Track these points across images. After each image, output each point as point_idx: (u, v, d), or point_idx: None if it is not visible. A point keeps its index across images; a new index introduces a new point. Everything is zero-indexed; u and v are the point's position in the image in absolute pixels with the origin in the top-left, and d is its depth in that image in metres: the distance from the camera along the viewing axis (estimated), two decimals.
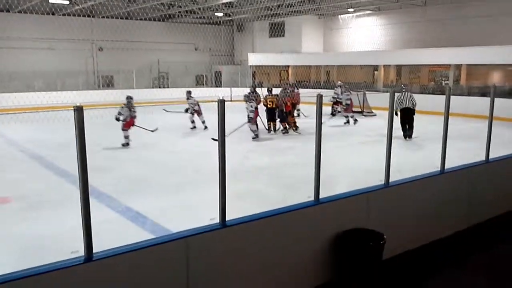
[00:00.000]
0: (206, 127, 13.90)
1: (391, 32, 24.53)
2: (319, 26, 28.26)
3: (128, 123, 11.39)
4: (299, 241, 4.03)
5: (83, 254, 2.96)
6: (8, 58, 22.10)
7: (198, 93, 18.56)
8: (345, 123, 15.69)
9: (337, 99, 16.82)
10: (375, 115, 17.88)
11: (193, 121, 14.44)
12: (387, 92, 16.23)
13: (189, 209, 6.31)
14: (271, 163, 9.63)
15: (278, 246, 3.90)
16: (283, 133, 13.28)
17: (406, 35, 23.49)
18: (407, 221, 5.01)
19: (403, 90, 12.91)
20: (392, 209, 4.85)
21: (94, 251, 2.99)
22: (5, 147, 11.37)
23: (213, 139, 12.16)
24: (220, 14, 26.38)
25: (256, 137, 12.30)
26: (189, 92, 14.30)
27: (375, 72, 24.88)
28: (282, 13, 24.46)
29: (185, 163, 9.59)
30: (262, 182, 7.97)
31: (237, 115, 10.54)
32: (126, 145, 11.23)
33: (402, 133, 12.13)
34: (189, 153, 10.68)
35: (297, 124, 13.53)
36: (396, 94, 11.12)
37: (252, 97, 12.93)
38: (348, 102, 16.00)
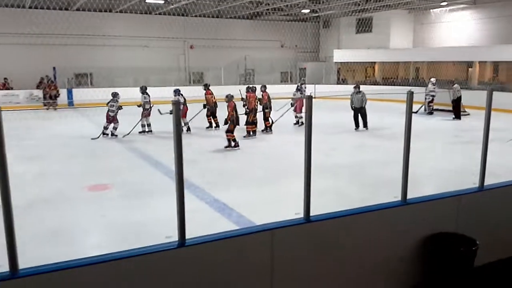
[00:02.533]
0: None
1: (487, 26, 22.88)
2: (409, 20, 27.15)
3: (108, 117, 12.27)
4: (384, 242, 3.97)
5: (177, 240, 3.16)
6: (107, 54, 23.81)
7: (283, 89, 18.77)
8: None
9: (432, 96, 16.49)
10: (468, 114, 16.86)
11: (296, 116, 14.82)
12: (482, 90, 15.22)
13: (273, 203, 6.46)
14: (353, 161, 9.49)
15: (362, 245, 3.87)
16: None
17: (504, 30, 21.81)
18: (502, 228, 4.71)
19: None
20: (486, 214, 4.59)
21: (186, 237, 3.19)
22: (104, 138, 12.30)
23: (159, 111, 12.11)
24: (307, 11, 26.31)
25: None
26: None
27: (469, 69, 23.41)
28: (370, 8, 23.81)
29: (269, 158, 9.78)
30: (344, 180, 7.90)
31: (319, 113, 10.49)
32: (109, 135, 12.35)
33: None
34: (273, 149, 10.86)
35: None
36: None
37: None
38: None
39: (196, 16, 25.26)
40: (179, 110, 3.04)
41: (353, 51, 26.65)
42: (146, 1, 22.24)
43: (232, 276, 3.30)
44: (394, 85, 22.32)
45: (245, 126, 12.10)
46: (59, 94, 20.40)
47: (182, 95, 13.05)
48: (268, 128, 13.04)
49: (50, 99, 19.45)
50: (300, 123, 14.30)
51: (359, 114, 13.46)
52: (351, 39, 28.04)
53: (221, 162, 9.46)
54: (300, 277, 3.58)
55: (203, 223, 4.68)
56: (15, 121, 12.74)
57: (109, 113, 12.23)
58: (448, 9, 24.70)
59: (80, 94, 20.49)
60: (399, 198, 4.11)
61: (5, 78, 21.51)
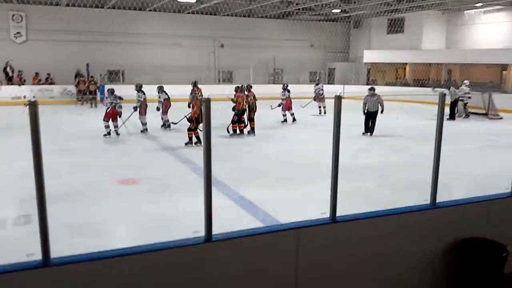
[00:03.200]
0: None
1: None
2: (442, 21, 26.60)
3: (109, 114, 11.97)
4: (411, 245, 3.92)
5: (203, 235, 3.20)
6: (139, 52, 24.24)
7: (311, 89, 18.71)
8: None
9: (462, 99, 16.21)
10: (501, 118, 16.42)
11: (284, 115, 15.17)
12: None
13: (299, 202, 6.45)
14: (382, 163, 9.38)
15: (388, 248, 3.83)
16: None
17: None
18: None
19: None
20: None
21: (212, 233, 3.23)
22: (137, 134, 12.52)
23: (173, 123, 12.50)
24: (338, 11, 26.11)
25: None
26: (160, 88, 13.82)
27: (504, 71, 22.76)
28: (403, 9, 23.46)
29: (296, 157, 9.77)
30: (372, 182, 7.82)
31: (347, 113, 10.40)
32: (108, 134, 11.86)
33: None
34: (301, 148, 10.84)
35: None
36: None
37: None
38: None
39: (226, 15, 25.42)
40: (209, 107, 3.07)
41: (383, 51, 26.31)
42: (178, 0, 22.49)
43: (256, 273, 3.33)
44: (425, 87, 21.90)
45: (232, 125, 12.16)
46: (99, 90, 20.80)
47: (165, 92, 13.39)
48: (252, 130, 12.57)
49: (90, 94, 19.76)
50: (288, 120, 15.16)
51: (370, 119, 12.58)
52: (382, 40, 27.69)
53: (247, 160, 9.50)
54: (325, 277, 3.57)
55: (229, 220, 4.69)
56: (49, 115, 13.06)
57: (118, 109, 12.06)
58: (483, 10, 24.09)
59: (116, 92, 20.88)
60: (428, 202, 4.05)
61: (48, 74, 22.18)
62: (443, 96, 3.83)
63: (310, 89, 18.54)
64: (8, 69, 22.04)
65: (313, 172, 8.26)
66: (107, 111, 11.98)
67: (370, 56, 27.13)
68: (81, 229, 5.38)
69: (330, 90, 16.69)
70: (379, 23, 27.82)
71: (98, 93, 20.84)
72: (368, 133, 12.44)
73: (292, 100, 15.38)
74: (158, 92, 13.63)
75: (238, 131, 12.20)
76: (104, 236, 5.41)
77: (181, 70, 23.89)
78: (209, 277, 3.16)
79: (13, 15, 22.46)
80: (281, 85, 16.12)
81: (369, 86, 13.36)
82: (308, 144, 11.39)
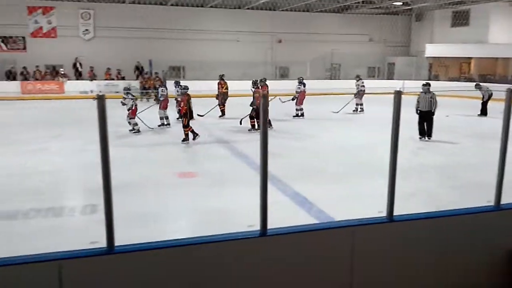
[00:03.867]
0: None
1: None
2: (510, 14, 25.09)
3: (133, 112, 11.99)
4: (472, 248, 3.77)
5: (258, 229, 3.25)
6: (200, 48, 24.78)
7: (369, 84, 18.34)
8: None
9: None
10: None
11: (297, 109, 14.90)
12: None
13: (354, 200, 6.37)
14: (442, 162, 9.06)
15: (448, 250, 3.70)
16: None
17: None
18: None
19: None
20: None
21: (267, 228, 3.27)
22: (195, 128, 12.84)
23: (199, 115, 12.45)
24: (399, 4, 25.35)
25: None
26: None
27: None
28: (468, 1, 22.40)
29: (350, 154, 9.62)
30: (432, 181, 7.58)
31: (408, 109, 10.10)
32: (137, 132, 11.88)
33: None
34: (354, 145, 10.66)
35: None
36: None
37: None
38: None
39: (285, 10, 25.40)
40: (267, 103, 3.10)
41: (447, 45, 25.25)
42: None
43: (310, 269, 3.33)
44: (491, 82, 20.78)
45: (250, 120, 12.19)
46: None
47: (181, 86, 13.18)
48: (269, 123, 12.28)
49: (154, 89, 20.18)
50: (300, 115, 14.71)
51: (424, 120, 11.01)
52: (446, 33, 26.56)
53: (302, 156, 9.47)
54: (380, 277, 3.52)
55: (283, 215, 4.74)
56: (114, 109, 13.65)
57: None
58: None
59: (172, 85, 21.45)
60: (493, 203, 3.88)
61: (118, 70, 23.26)
62: (510, 92, 3.64)
63: (367, 84, 18.05)
64: (77, 64, 23.30)
65: (367, 169, 8.13)
66: (132, 108, 12.15)
67: (432, 50, 26.12)
68: (142, 219, 5.62)
69: (389, 85, 16.26)
70: (442, 16, 26.70)
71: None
72: (426, 137, 10.97)
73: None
74: (176, 87, 14.08)
75: (256, 126, 11.98)
76: (162, 226, 5.61)
77: (239, 66, 24.17)
78: (264, 271, 3.21)
79: (82, 13, 23.67)
80: (297, 79, 15.62)
81: (424, 81, 11.83)
82: (357, 140, 11.16)
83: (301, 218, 5.63)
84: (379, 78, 28.57)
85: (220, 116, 14.68)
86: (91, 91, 18.16)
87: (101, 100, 2.70)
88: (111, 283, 2.87)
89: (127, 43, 23.50)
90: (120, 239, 2.90)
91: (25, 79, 22.38)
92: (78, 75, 23.17)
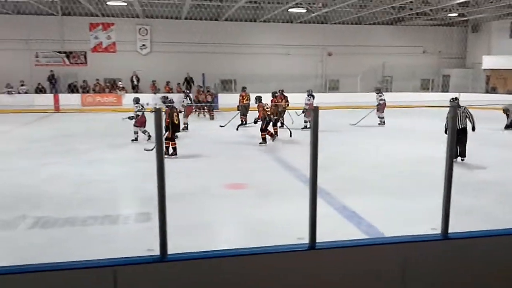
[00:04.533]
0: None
1: None
2: None
3: (140, 121, 12.33)
4: None
5: (307, 242, 3.25)
6: (251, 62, 25.18)
7: (423, 97, 17.88)
8: None
9: None
10: None
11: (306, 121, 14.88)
12: None
13: (406, 215, 6.24)
14: (504, 177, 8.63)
15: (505, 270, 3.54)
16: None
17: None
18: None
19: None
20: None
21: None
22: (245, 140, 13.01)
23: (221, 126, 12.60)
24: (454, 15, 24.61)
25: None
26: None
27: None
28: None
29: (398, 168, 9.38)
30: (490, 198, 7.25)
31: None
32: (134, 140, 12.37)
33: None
34: (402, 158, 10.39)
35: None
36: None
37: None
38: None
39: (336, 23, 25.33)
40: (317, 116, 3.10)
41: (506, 57, 24.21)
42: (288, 10, 22.94)
43: (359, 285, 3.29)
44: None
45: (261, 133, 12.35)
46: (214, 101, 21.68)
47: (189, 97, 14.56)
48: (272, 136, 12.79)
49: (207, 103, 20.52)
50: (308, 127, 14.26)
51: (458, 139, 9.18)
52: (504, 44, 25.49)
53: (350, 169, 9.34)
54: None
55: (331, 229, 4.69)
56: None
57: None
58: None
59: (224, 98, 21.84)
60: None
61: (178, 83, 24.09)
62: None
63: (420, 97, 17.62)
64: (134, 78, 24.28)
65: (417, 183, 7.92)
66: (137, 118, 12.48)
67: (490, 62, 25.12)
68: (191, 229, 5.74)
69: (444, 98, 15.79)
70: (501, 27, 25.69)
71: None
72: (460, 158, 9.51)
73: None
74: (184, 98, 15.48)
75: (269, 137, 12.44)
76: (212, 237, 5.71)
77: (289, 79, 24.28)
78: (312, 285, 3.20)
79: (140, 29, 24.71)
80: (306, 91, 15.79)
81: (452, 96, 10.35)
82: (405, 154, 10.88)
83: (349, 233, 5.56)
84: (433, 91, 27.79)
85: (239, 125, 14.56)
86: (147, 104, 18.74)
87: (158, 113, 2.83)
88: None
89: (181, 57, 24.25)
90: (171, 248, 2.99)
91: (86, 91, 23.60)
92: (136, 89, 24.10)
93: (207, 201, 7.12)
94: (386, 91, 27.45)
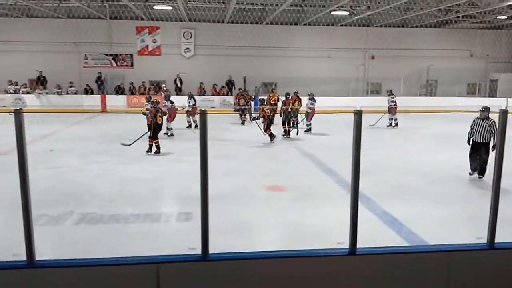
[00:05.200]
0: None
1: None
2: None
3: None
4: None
5: (347, 247, 3.23)
6: (293, 65, 25.21)
7: (468, 102, 17.36)
8: None
9: None
10: None
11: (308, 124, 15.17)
12: None
13: (449, 223, 6.07)
14: None
15: None
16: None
17: None
18: None
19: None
20: None
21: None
22: (281, 143, 13.02)
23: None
24: (503, 17, 23.72)
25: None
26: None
27: None
28: None
29: (444, 174, 9.12)
30: None
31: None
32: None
33: None
34: (448, 164, 10.10)
35: None
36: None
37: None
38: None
39: (379, 26, 24.95)
40: (361, 119, 3.05)
41: None
42: (331, 13, 22.79)
43: None
44: None
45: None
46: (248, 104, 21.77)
47: (193, 98, 15.66)
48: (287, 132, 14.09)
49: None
50: (308, 130, 15.04)
51: (477, 153, 8.55)
52: None
53: (392, 174, 9.15)
54: None
55: (371, 235, 4.63)
56: (210, 123, 14.30)
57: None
58: None
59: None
60: None
61: (222, 86, 24.51)
62: None
63: (463, 101, 17.11)
64: (177, 80, 24.79)
65: (462, 190, 7.69)
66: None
67: None
68: (233, 229, 5.81)
69: (492, 103, 15.21)
70: None
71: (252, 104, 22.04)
72: (476, 174, 8.58)
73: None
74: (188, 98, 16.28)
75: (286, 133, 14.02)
76: (252, 238, 5.75)
77: (331, 82, 24.11)
78: None
79: (184, 32, 25.21)
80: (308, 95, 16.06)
81: (482, 105, 8.97)
82: (448, 159, 10.60)
83: (390, 239, 5.46)
84: (480, 96, 26.85)
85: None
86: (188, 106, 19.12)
87: (203, 115, 2.90)
88: None
89: (224, 60, 24.59)
90: (212, 247, 3.04)
91: (132, 93, 24.30)
92: (178, 91, 24.59)
93: (248, 202, 7.19)
94: (430, 95, 26.94)
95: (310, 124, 15.30)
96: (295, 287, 3.10)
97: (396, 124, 16.49)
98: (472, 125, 8.80)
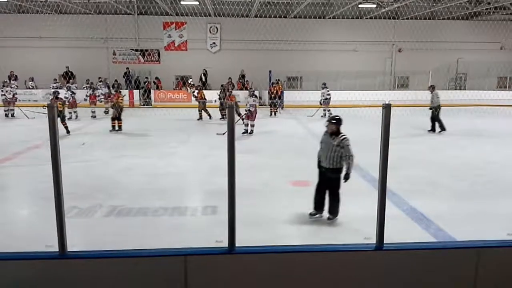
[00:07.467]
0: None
1: None
2: None
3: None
4: None
5: (374, 242, 3.23)
6: (318, 59, 25.01)
7: (499, 96, 16.90)
8: None
9: None
10: None
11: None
12: None
13: (478, 219, 5.95)
14: None
15: None
16: None
17: None
18: None
19: None
20: None
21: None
22: (307, 137, 12.98)
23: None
24: None
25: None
26: None
27: None
28: None
29: (473, 169, 8.94)
30: None
31: None
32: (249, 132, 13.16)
33: None
34: (478, 160, 9.88)
35: None
36: None
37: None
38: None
39: (406, 18, 24.51)
40: (389, 114, 3.01)
41: None
42: (358, 6, 22.51)
43: None
44: None
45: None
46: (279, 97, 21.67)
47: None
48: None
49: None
50: (249, 131, 13.40)
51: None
52: None
53: (419, 170, 9.02)
54: None
55: (399, 231, 4.59)
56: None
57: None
58: None
59: (290, 96, 21.91)
60: None
61: (247, 81, 24.66)
62: None
63: (497, 95, 16.61)
64: (203, 75, 24.97)
65: (492, 186, 7.51)
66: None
67: None
68: (259, 222, 5.84)
69: None
70: None
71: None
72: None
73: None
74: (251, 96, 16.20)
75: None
76: (274, 231, 5.76)
77: (357, 76, 23.85)
78: (378, 285, 3.18)
79: (210, 27, 25.36)
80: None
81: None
82: (475, 155, 10.40)
83: (417, 235, 5.40)
84: (511, 90, 26.13)
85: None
86: (215, 101, 19.22)
87: (231, 109, 2.94)
88: (230, 280, 3.08)
89: (249, 55, 24.60)
90: (238, 240, 3.09)
91: (157, 87, 24.62)
92: (203, 85, 24.77)
93: (273, 196, 7.22)
94: (460, 89, 26.35)
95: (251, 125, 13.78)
96: (321, 281, 3.12)
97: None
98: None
